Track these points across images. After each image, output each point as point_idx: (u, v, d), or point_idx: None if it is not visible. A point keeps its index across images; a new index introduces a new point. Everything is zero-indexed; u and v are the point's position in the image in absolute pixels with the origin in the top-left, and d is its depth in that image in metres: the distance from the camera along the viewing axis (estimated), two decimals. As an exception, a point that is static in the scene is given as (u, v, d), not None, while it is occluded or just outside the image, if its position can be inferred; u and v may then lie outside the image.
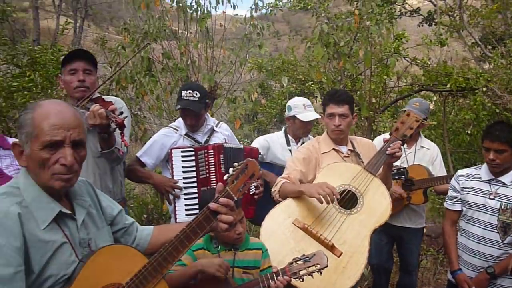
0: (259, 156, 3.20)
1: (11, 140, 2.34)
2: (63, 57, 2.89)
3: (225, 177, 1.81)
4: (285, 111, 3.68)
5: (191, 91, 2.98)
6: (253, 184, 2.71)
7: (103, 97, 2.43)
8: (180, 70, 5.76)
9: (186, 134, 3.09)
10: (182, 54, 5.95)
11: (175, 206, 2.93)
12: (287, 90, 7.25)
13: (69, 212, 1.54)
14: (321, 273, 2.13)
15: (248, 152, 3.06)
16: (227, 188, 1.76)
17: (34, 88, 5.89)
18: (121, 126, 2.19)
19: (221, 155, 2.95)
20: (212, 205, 1.70)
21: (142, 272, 1.55)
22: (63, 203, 1.54)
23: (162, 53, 6.03)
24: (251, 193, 3.02)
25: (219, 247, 2.29)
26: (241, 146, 3.11)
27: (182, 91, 3.02)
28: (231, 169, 1.83)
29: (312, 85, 6.71)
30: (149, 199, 6.63)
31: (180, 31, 6.45)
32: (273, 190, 2.83)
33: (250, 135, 6.83)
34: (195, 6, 6.00)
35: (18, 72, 6.40)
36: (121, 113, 2.23)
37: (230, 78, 6.56)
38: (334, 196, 2.44)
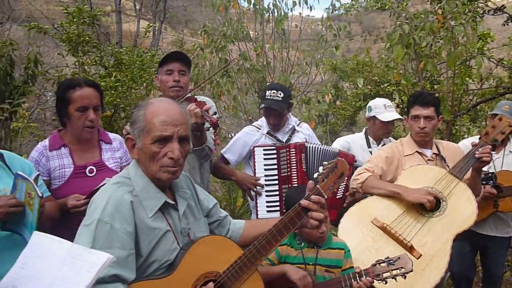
0: None
1: (112, 136, 2.55)
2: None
3: (315, 175, 1.85)
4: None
5: (275, 91, 3.06)
6: (341, 185, 2.75)
7: (196, 97, 2.57)
8: (256, 71, 5.89)
9: (268, 133, 3.18)
10: (258, 56, 6.08)
11: (256, 203, 3.03)
12: (361, 91, 7.15)
13: (173, 202, 1.67)
14: (405, 277, 2.11)
15: (343, 157, 3.09)
16: (317, 186, 1.80)
17: (120, 88, 6.27)
18: (215, 126, 2.30)
19: (303, 154, 2.99)
20: (304, 202, 1.75)
21: (238, 262, 1.64)
22: (167, 194, 1.67)
23: (239, 54, 6.20)
24: (338, 196, 3.03)
25: (302, 244, 2.33)
26: (337, 150, 3.11)
27: (266, 91, 3.11)
28: (321, 168, 1.87)
29: (388, 87, 6.56)
30: (221, 196, 6.83)
31: (255, 33, 6.59)
32: (354, 178, 2.83)
33: (323, 137, 6.82)
34: (272, 8, 6.10)
35: (105, 72, 6.85)
36: (215, 113, 2.35)
37: (303, 79, 6.61)
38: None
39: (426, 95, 2.93)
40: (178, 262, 1.58)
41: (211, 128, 2.32)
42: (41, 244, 1.30)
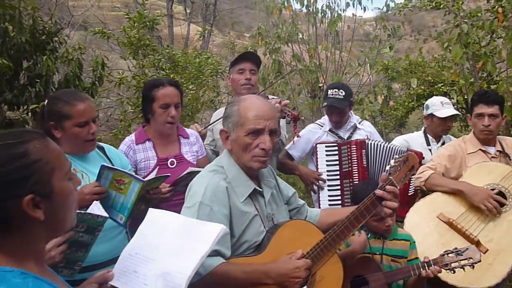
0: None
1: (189, 131, 2.77)
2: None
3: (387, 168, 1.97)
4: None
5: (336, 90, 3.19)
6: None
7: (267, 95, 2.76)
8: (310, 72, 6.02)
9: (330, 130, 3.31)
10: (311, 57, 6.21)
11: (319, 196, 3.17)
12: (415, 92, 7.11)
13: (260, 189, 1.84)
14: (473, 267, 2.18)
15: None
16: (390, 177, 1.92)
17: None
18: (296, 119, 2.46)
19: (363, 150, 3.10)
20: (379, 191, 1.88)
21: (320, 245, 1.79)
22: (254, 182, 1.84)
23: (292, 55, 6.35)
24: (410, 193, 3.11)
25: (369, 235, 2.45)
26: (397, 147, 3.19)
27: (329, 90, 3.24)
28: (392, 161, 1.99)
29: (443, 87, 6.51)
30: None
31: (308, 34, 6.72)
32: (417, 176, 2.91)
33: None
34: (326, 10, 6.20)
35: (163, 74, 7.19)
36: (294, 108, 2.51)
37: (355, 79, 6.67)
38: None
39: (491, 93, 2.97)
40: (266, 243, 1.75)
41: (291, 122, 2.49)
42: (157, 218, 1.50)
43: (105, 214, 1.63)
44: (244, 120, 1.75)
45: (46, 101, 2.18)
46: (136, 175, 2.09)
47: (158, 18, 7.23)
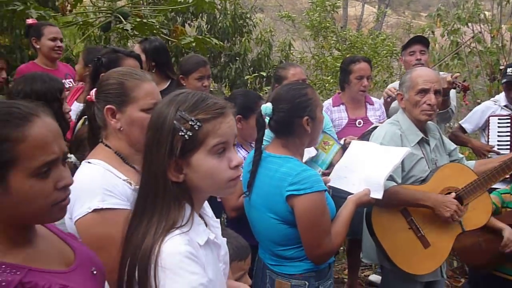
0: None
1: (374, 99, 3.61)
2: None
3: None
4: None
5: (517, 68, 3.65)
6: None
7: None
8: (490, 54, 6.22)
9: (505, 106, 3.77)
10: (493, 38, 6.37)
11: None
12: None
13: (427, 138, 2.59)
14: None
15: None
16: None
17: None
18: (466, 89, 3.08)
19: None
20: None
21: (473, 183, 2.47)
22: (424, 133, 2.60)
23: (472, 36, 6.57)
24: None
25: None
26: None
27: (508, 68, 3.71)
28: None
29: None
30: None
31: (491, 14, 6.82)
32: None
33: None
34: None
35: (338, 55, 8.07)
36: (464, 80, 3.14)
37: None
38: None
39: None
40: (429, 177, 2.51)
41: (461, 92, 3.12)
42: (360, 145, 2.42)
43: None
44: (415, 83, 2.50)
45: None
46: (337, 139, 3.02)
47: (338, 2, 8.12)
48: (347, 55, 7.86)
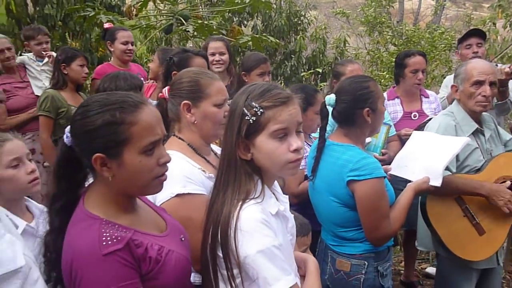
0: None
1: (429, 92, 3.69)
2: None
3: None
4: None
5: None
6: None
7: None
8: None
9: None
10: None
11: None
12: None
13: (482, 129, 2.67)
14: None
15: None
16: None
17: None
18: None
19: None
20: None
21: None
22: (479, 124, 2.68)
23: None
24: None
25: None
26: None
27: None
28: None
29: None
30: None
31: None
32: None
33: None
34: None
35: (394, 50, 8.05)
36: None
37: None
38: None
39: None
40: (484, 167, 2.59)
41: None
42: (420, 135, 2.57)
43: None
44: (470, 75, 2.59)
45: None
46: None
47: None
48: (403, 50, 7.88)
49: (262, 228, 1.32)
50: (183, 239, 1.44)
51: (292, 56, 7.33)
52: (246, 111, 1.38)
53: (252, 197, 1.38)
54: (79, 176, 1.35)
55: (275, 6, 7.51)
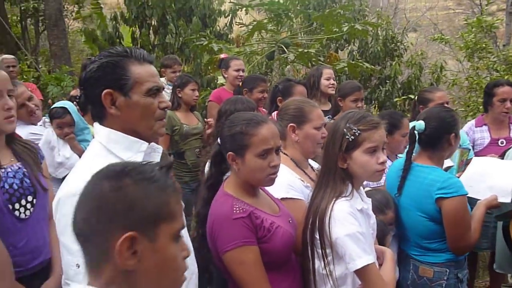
0: None
1: None
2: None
3: None
4: None
5: None
6: None
7: None
8: None
9: None
10: None
11: None
12: None
13: None
14: None
15: None
16: None
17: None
18: None
19: None
20: None
21: None
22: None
23: None
24: None
25: None
26: None
27: None
28: None
29: None
30: None
31: None
32: None
33: None
34: None
35: (496, 76, 7.99)
36: None
37: None
38: None
39: None
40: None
41: None
42: (482, 160, 2.89)
43: None
44: None
45: None
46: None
47: (497, 22, 8.10)
48: (505, 76, 7.82)
49: (349, 217, 1.81)
50: (290, 221, 1.98)
51: (387, 81, 7.65)
52: (346, 132, 1.89)
53: (344, 195, 1.87)
54: (223, 166, 1.97)
55: (372, 33, 7.91)
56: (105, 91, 1.47)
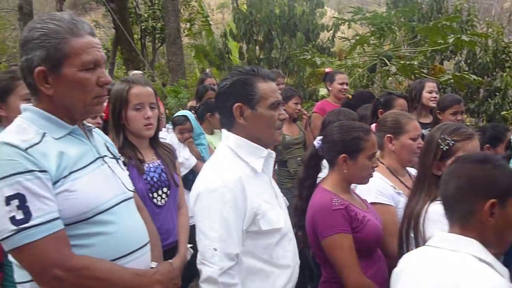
0: None
1: None
2: None
3: None
4: None
5: None
6: None
7: None
8: None
9: None
10: None
11: None
12: None
13: None
14: None
15: None
16: None
17: None
18: None
19: None
20: None
21: None
22: None
23: None
24: None
25: None
26: None
27: None
28: None
29: None
30: None
31: None
32: None
33: None
34: None
35: None
36: None
37: None
38: None
39: None
40: None
41: None
42: None
43: None
44: None
45: None
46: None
47: None
48: None
49: (443, 218, 1.98)
50: (377, 218, 2.24)
51: (496, 93, 7.36)
52: (441, 142, 2.09)
53: (438, 199, 2.06)
54: (318, 167, 2.32)
55: (480, 44, 7.66)
56: (236, 104, 1.78)
